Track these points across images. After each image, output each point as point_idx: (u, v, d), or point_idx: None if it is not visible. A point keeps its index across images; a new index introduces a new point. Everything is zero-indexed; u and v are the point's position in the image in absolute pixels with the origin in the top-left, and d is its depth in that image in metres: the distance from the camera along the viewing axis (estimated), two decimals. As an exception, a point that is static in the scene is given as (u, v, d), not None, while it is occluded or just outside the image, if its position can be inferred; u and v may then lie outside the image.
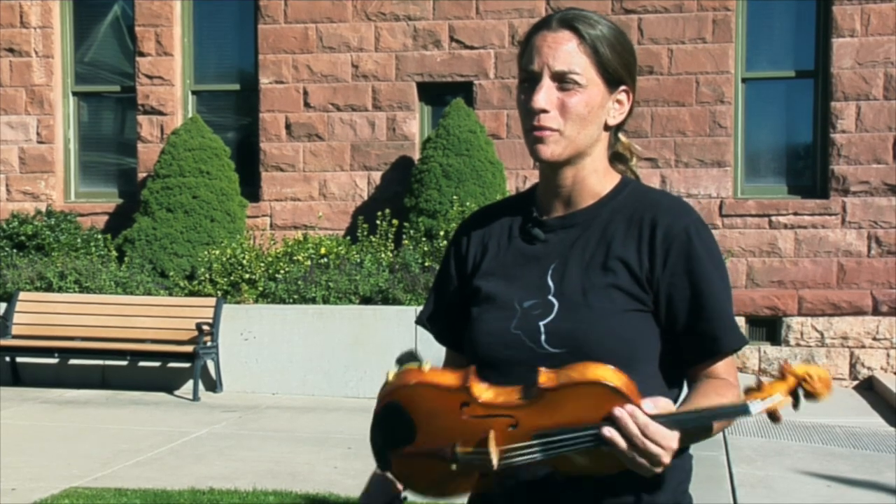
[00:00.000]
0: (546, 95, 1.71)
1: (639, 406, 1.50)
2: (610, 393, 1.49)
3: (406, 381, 1.58)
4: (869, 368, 9.23)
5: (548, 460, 1.54)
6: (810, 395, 1.51)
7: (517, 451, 1.52)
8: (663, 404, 1.53)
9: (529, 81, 1.74)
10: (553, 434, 1.51)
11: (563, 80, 1.71)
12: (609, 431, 1.49)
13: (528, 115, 1.73)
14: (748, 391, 1.52)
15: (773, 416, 1.51)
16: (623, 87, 1.77)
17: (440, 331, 1.95)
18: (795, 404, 1.52)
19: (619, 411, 1.49)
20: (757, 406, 1.49)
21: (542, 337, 1.70)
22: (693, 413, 1.53)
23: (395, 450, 1.62)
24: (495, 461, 1.52)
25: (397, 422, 1.60)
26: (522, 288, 1.76)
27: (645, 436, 1.49)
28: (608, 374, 1.51)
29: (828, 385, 1.51)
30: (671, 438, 1.49)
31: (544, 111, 1.71)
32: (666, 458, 1.50)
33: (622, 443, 1.49)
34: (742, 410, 1.50)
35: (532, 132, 1.73)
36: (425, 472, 1.60)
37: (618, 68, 1.75)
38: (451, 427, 1.55)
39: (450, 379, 1.57)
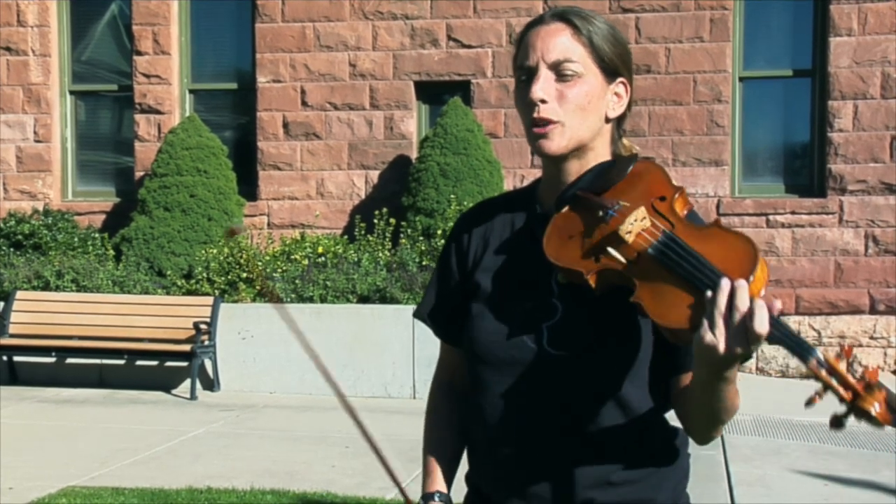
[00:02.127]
0: (544, 85, 1.67)
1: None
2: (750, 254, 1.49)
3: (654, 164, 1.73)
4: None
5: (649, 260, 1.55)
6: (862, 415, 1.39)
7: (649, 233, 1.57)
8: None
9: (527, 77, 1.70)
10: (683, 247, 1.52)
11: (560, 70, 1.67)
12: (725, 284, 1.44)
13: (528, 108, 1.69)
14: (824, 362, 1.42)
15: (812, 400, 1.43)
16: (620, 79, 1.74)
17: (440, 326, 1.91)
18: (841, 418, 1.41)
19: (742, 283, 1.44)
20: (817, 364, 1.41)
21: (545, 339, 1.70)
22: (792, 333, 1.44)
23: (582, 190, 1.70)
24: (631, 222, 1.58)
25: (619, 167, 1.71)
26: (525, 288, 1.74)
27: (745, 315, 1.42)
28: (756, 250, 1.51)
29: (886, 419, 1.38)
30: (761, 334, 1.41)
31: (543, 101, 1.67)
32: (738, 351, 1.43)
33: (718, 305, 1.43)
34: (807, 353, 1.42)
35: (533, 127, 1.69)
36: (576, 226, 1.65)
37: (614, 59, 1.72)
38: (630, 198, 1.64)
39: (673, 181, 1.67)
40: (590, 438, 1.70)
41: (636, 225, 1.58)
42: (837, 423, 1.42)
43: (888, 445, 6.86)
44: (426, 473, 1.88)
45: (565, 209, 1.68)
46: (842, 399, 1.40)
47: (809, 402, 1.43)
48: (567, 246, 1.63)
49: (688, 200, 1.64)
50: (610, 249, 1.58)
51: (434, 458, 1.89)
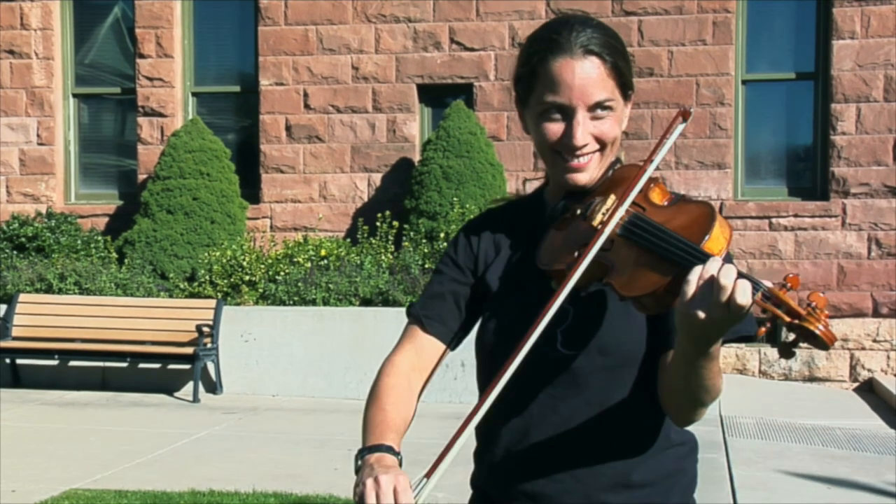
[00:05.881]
0: (584, 130, 1.69)
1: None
2: (706, 217, 1.54)
3: (636, 165, 1.75)
4: (869, 370, 9.22)
5: (622, 244, 1.60)
6: (807, 336, 1.40)
7: (618, 214, 1.62)
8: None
9: (559, 115, 1.70)
10: (647, 223, 1.59)
11: (595, 110, 1.70)
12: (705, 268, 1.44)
13: (567, 149, 1.70)
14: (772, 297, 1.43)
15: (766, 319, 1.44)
16: (630, 93, 1.77)
17: (431, 318, 1.83)
18: (789, 345, 1.45)
19: (716, 261, 1.44)
20: (763, 297, 1.42)
21: (559, 341, 1.71)
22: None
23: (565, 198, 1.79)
24: (602, 212, 1.65)
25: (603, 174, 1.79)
26: (536, 293, 1.72)
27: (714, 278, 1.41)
28: (712, 213, 1.57)
29: (829, 338, 1.41)
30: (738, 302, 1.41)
31: (585, 145, 1.71)
32: (715, 315, 1.42)
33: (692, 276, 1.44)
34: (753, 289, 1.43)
35: (570, 164, 1.72)
36: (565, 233, 1.72)
37: (630, 79, 1.75)
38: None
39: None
40: (608, 439, 1.71)
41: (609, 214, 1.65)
42: (786, 351, 1.47)
43: (891, 448, 6.85)
44: (373, 427, 1.70)
45: (559, 222, 1.74)
46: (787, 325, 1.41)
47: (756, 335, 1.51)
48: (555, 251, 1.69)
49: (666, 191, 1.69)
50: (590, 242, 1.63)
51: (384, 418, 1.72)
